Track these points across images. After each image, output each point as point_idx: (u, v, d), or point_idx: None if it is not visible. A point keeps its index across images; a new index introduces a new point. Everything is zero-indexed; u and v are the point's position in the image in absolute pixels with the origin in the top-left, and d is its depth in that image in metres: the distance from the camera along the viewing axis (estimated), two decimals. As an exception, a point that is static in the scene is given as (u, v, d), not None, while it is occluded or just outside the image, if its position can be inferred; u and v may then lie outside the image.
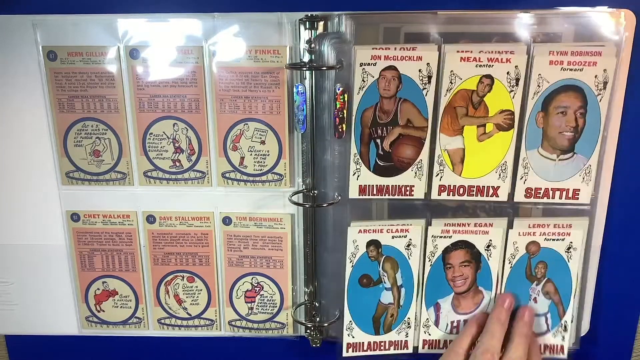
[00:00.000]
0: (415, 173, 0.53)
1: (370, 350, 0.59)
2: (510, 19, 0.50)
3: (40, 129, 0.56)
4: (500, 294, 0.56)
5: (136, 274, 0.60)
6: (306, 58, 0.51)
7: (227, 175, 0.56)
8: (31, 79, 0.54)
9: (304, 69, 0.51)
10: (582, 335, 0.59)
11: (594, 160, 0.53)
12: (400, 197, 0.54)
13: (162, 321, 0.62)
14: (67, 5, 0.52)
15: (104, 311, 0.62)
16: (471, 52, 0.50)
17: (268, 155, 0.55)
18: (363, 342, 0.58)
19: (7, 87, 0.55)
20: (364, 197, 0.54)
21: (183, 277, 0.60)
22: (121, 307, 0.62)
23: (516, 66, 0.50)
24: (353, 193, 0.54)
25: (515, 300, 0.56)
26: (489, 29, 0.50)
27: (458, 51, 0.50)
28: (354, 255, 0.56)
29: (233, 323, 0.62)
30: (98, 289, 0.61)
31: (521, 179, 0.53)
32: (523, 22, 0.50)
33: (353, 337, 0.58)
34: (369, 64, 0.50)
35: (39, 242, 0.60)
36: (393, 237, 0.55)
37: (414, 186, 0.54)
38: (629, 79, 0.51)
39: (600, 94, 0.51)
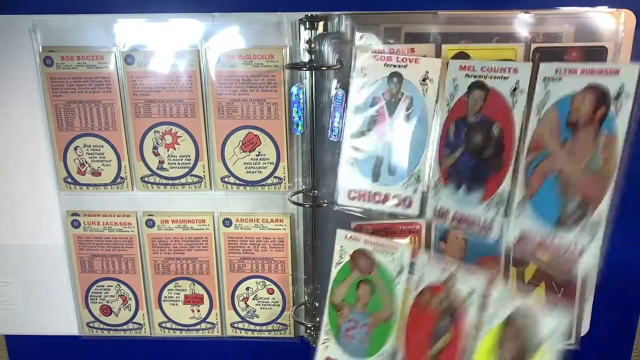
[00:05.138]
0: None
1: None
2: (510, 19, 0.50)
3: (40, 131, 0.56)
4: None
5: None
6: (306, 58, 0.51)
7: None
8: (29, 81, 0.54)
9: (304, 69, 0.51)
10: (582, 335, 0.59)
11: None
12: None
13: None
14: (65, 6, 0.52)
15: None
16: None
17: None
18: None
19: (6, 87, 0.55)
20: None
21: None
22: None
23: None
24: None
25: None
26: (489, 29, 0.50)
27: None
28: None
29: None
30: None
31: None
32: (523, 22, 0.50)
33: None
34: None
35: (39, 242, 0.60)
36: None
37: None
38: (629, 79, 0.51)
39: None
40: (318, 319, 0.59)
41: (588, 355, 0.60)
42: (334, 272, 0.54)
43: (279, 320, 0.61)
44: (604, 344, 0.60)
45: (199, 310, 0.61)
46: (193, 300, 0.61)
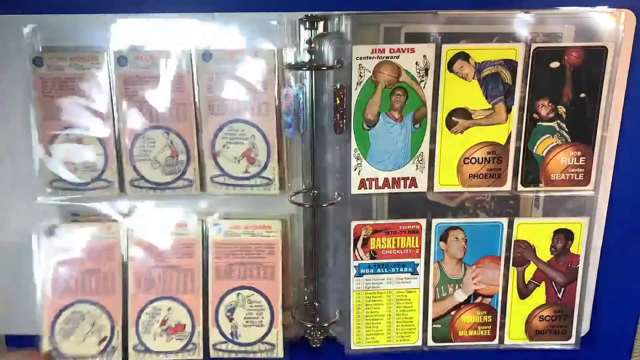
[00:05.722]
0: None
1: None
2: (511, 19, 0.50)
3: (32, 132, 0.55)
4: None
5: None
6: (306, 58, 0.51)
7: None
8: (25, 81, 0.54)
9: (304, 68, 0.51)
10: (582, 335, 0.59)
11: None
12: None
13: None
14: (61, 6, 0.52)
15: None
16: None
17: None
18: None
19: (2, 88, 0.55)
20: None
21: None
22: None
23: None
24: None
25: None
26: (489, 29, 0.51)
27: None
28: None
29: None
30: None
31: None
32: (523, 22, 0.50)
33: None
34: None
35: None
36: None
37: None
38: (629, 78, 0.51)
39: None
40: (318, 319, 0.59)
41: (588, 355, 0.60)
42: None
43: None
44: (604, 344, 0.60)
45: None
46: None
